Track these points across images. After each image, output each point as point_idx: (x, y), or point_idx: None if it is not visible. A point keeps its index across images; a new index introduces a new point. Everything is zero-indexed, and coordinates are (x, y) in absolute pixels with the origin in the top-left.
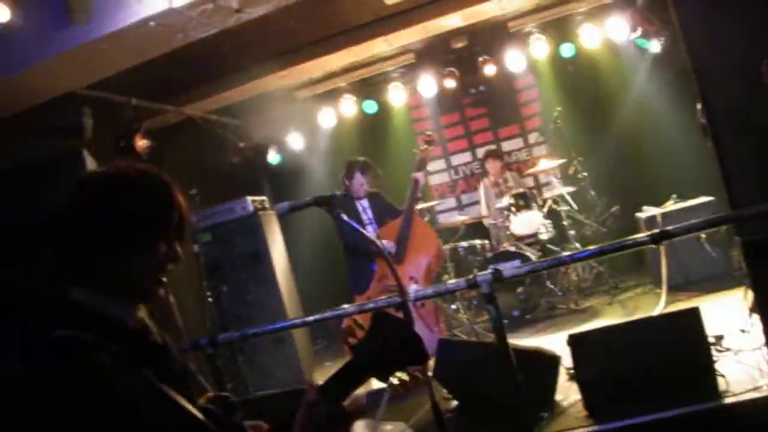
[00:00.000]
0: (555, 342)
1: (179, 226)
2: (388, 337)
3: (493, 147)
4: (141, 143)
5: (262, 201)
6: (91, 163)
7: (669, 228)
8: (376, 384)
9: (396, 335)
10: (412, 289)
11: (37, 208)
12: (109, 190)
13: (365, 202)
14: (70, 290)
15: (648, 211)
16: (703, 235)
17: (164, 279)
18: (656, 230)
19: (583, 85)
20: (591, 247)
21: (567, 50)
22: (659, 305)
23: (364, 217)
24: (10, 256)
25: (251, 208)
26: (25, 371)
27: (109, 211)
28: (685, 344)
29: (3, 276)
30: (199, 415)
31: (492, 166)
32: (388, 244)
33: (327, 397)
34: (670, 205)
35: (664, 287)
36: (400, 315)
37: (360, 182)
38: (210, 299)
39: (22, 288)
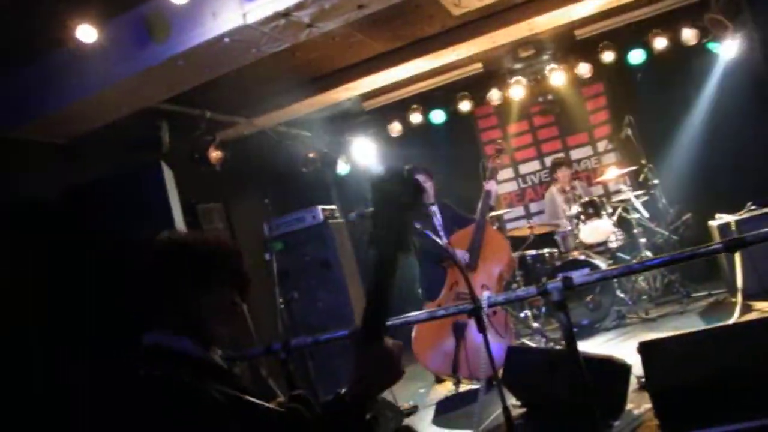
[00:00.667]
0: (625, 351)
1: (243, 284)
2: (384, 201)
3: (561, 155)
4: (214, 155)
5: (332, 210)
6: (168, 175)
7: (745, 235)
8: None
9: (388, 196)
10: (485, 295)
11: (120, 218)
12: (192, 250)
13: (435, 209)
14: (147, 333)
15: (722, 219)
16: None
17: (229, 325)
18: (730, 237)
19: (653, 91)
20: (662, 255)
21: (635, 57)
22: (734, 314)
23: (435, 222)
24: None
25: (321, 217)
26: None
27: (192, 267)
28: (763, 354)
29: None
30: (279, 409)
31: (562, 174)
32: (461, 253)
33: (370, 327)
34: (746, 213)
35: (740, 296)
36: (472, 323)
37: (428, 185)
38: (282, 306)
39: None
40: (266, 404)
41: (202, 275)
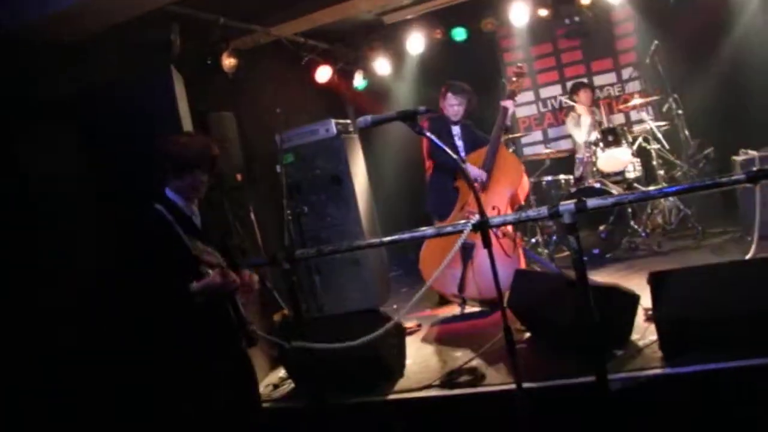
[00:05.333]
0: (634, 282)
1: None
2: None
3: (584, 80)
4: (228, 62)
5: (346, 124)
6: (178, 80)
7: None
8: None
9: None
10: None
11: (127, 123)
12: (185, 144)
13: (458, 129)
14: (162, 189)
15: (746, 154)
16: None
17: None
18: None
19: (684, 19)
20: (681, 184)
21: None
22: (750, 252)
23: (457, 142)
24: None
25: (334, 130)
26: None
27: (184, 154)
28: None
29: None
30: (201, 257)
31: (585, 96)
32: (478, 171)
33: None
34: None
35: (756, 234)
36: (478, 239)
37: (450, 103)
38: (289, 218)
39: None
40: (190, 248)
41: (199, 164)
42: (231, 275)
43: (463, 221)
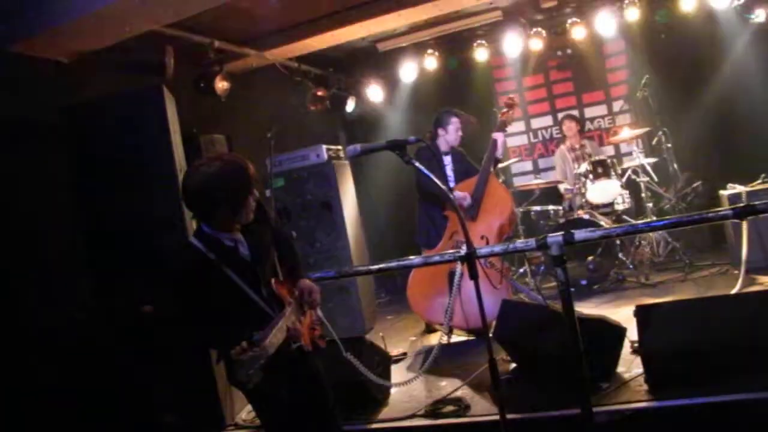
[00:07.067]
0: (621, 315)
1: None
2: None
3: (572, 112)
4: (221, 85)
5: (337, 150)
6: (170, 102)
7: (756, 203)
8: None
9: None
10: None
11: (119, 140)
12: (225, 173)
13: (449, 158)
14: (200, 225)
15: (733, 189)
16: None
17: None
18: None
19: (675, 54)
20: (669, 217)
21: (662, 16)
22: (736, 286)
23: (448, 172)
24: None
25: (325, 156)
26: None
27: (227, 186)
28: (761, 327)
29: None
30: (250, 294)
31: (568, 127)
32: (461, 194)
33: None
34: (758, 185)
35: (743, 268)
36: (464, 269)
37: (457, 128)
38: None
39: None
40: (239, 284)
41: (243, 192)
42: (294, 328)
43: (451, 250)
